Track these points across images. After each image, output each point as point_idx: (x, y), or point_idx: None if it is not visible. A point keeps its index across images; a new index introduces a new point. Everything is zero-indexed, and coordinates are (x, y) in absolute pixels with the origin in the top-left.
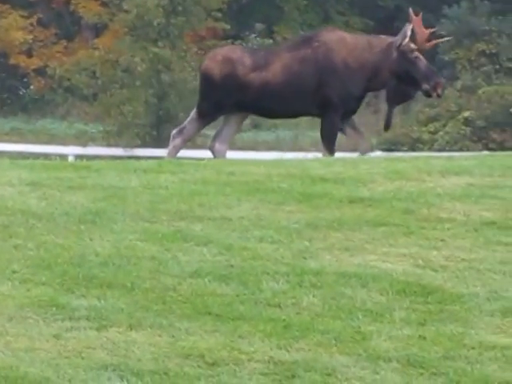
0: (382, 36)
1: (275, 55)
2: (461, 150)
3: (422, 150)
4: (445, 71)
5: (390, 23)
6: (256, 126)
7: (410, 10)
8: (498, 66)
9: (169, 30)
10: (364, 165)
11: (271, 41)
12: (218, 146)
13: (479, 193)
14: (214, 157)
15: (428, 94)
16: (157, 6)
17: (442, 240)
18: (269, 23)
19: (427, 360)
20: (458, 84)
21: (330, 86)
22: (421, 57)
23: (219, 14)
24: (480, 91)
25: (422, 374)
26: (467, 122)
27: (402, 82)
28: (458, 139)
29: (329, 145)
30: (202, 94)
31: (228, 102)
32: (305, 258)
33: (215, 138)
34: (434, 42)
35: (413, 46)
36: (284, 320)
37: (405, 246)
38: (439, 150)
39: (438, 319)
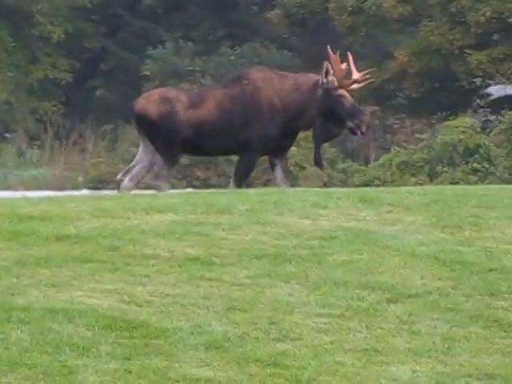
0: (310, 74)
1: (209, 93)
2: None
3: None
4: None
5: (96, 64)
6: None
7: (328, 48)
8: None
9: None
10: (71, 203)
11: None
12: (127, 181)
13: (183, 229)
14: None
15: (353, 132)
16: None
17: (146, 276)
18: None
19: None
20: None
21: (251, 125)
22: (346, 95)
23: None
24: None
25: None
26: None
27: (328, 120)
28: None
29: (239, 182)
30: (148, 136)
31: (175, 140)
32: (13, 295)
33: (126, 173)
34: (352, 80)
35: (336, 84)
36: None
37: (110, 282)
38: (144, 188)
39: (143, 353)
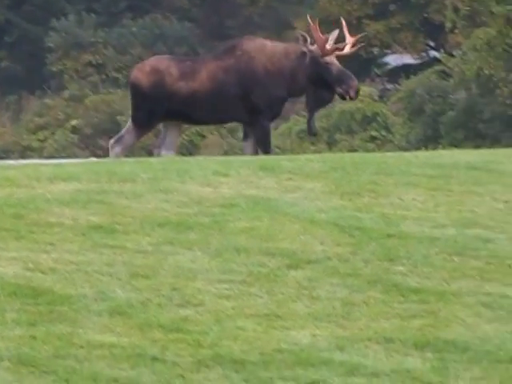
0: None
1: (201, 64)
2: (69, 156)
3: (31, 157)
4: (52, 82)
5: (0, 36)
6: None
7: (308, 17)
8: (104, 76)
9: None
10: None
11: None
12: (164, 151)
13: (86, 198)
14: None
15: (342, 97)
16: None
17: (51, 244)
18: None
19: (38, 359)
20: (66, 93)
21: (256, 92)
22: (333, 61)
23: None
24: (87, 100)
25: (32, 372)
26: (75, 129)
27: (319, 87)
28: (67, 146)
29: (265, 149)
30: (134, 104)
31: (159, 111)
32: None
33: (160, 145)
34: (335, 46)
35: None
36: None
37: (15, 250)
38: (48, 157)
39: (48, 320)
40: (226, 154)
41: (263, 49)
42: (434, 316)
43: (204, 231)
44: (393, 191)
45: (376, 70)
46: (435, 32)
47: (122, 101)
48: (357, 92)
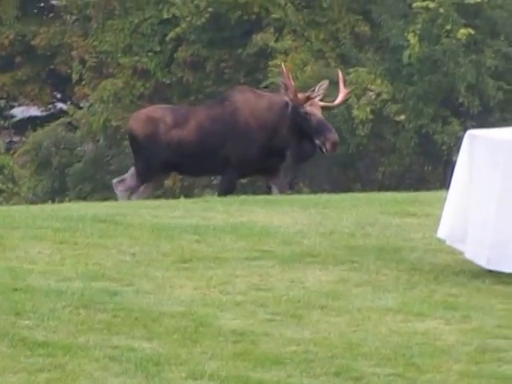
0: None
1: (194, 113)
2: None
3: None
4: None
5: None
6: None
7: (283, 65)
8: None
9: None
10: None
11: None
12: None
13: None
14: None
15: (320, 149)
16: None
17: None
18: None
19: None
20: None
21: (230, 145)
22: (314, 111)
23: None
24: None
25: None
26: None
27: (302, 139)
28: None
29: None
30: (133, 153)
31: (156, 160)
32: None
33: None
34: (306, 94)
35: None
36: None
37: None
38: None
39: None
40: None
41: (248, 101)
42: (62, 369)
43: None
44: (19, 245)
45: (3, 122)
46: (62, 84)
47: None
48: (334, 145)
